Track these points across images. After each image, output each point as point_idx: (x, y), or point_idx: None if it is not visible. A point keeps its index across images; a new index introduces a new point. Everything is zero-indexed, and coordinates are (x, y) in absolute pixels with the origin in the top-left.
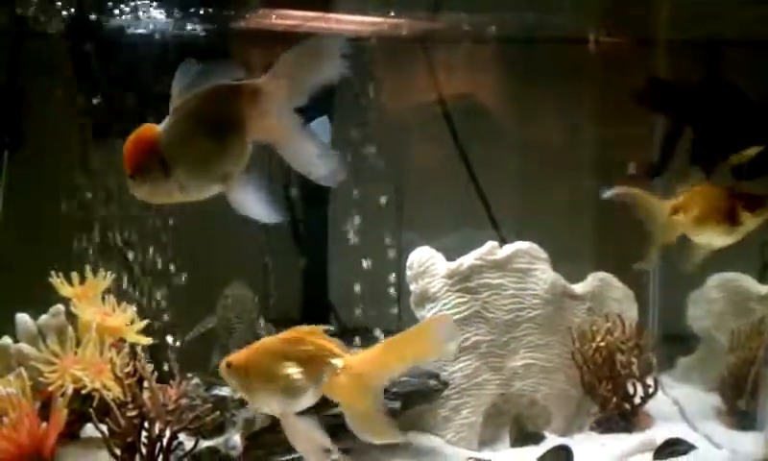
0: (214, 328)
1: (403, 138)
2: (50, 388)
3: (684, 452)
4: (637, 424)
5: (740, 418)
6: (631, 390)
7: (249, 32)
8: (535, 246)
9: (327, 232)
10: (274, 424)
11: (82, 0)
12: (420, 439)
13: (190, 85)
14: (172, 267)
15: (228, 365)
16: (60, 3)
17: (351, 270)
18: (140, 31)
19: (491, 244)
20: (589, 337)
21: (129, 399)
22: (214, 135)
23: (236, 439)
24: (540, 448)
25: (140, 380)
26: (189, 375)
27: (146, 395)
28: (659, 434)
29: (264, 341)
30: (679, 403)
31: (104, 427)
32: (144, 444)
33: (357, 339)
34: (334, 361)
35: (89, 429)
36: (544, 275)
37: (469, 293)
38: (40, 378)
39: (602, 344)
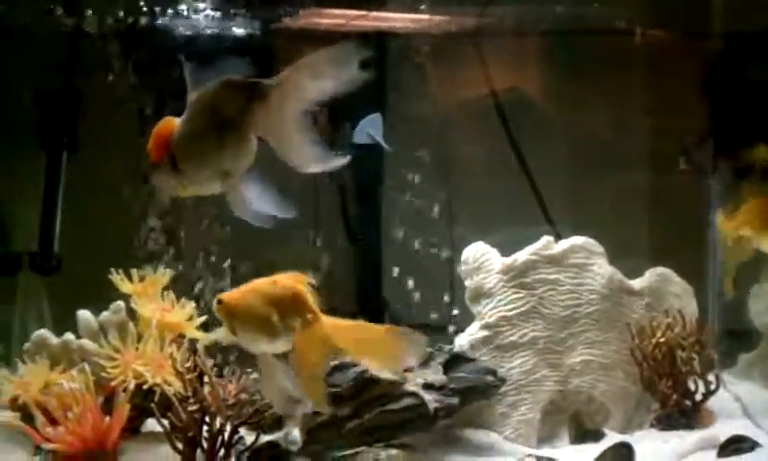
0: None
1: (455, 134)
2: (112, 383)
3: (750, 449)
4: (699, 420)
5: None
6: (692, 387)
7: (298, 31)
8: (591, 240)
9: (380, 228)
10: (333, 420)
11: (135, 2)
12: (479, 435)
13: (204, 81)
14: (228, 263)
15: (219, 302)
16: (113, 6)
17: (404, 265)
18: (194, 31)
19: (546, 239)
20: (649, 333)
21: (189, 393)
22: (218, 131)
23: (295, 434)
24: (600, 446)
25: (200, 376)
26: (248, 370)
27: (206, 390)
28: (721, 431)
29: (257, 282)
30: (741, 400)
31: (165, 422)
32: (205, 438)
33: None
34: (308, 316)
35: (150, 424)
36: (601, 270)
37: (525, 288)
38: (102, 374)
39: (662, 340)
